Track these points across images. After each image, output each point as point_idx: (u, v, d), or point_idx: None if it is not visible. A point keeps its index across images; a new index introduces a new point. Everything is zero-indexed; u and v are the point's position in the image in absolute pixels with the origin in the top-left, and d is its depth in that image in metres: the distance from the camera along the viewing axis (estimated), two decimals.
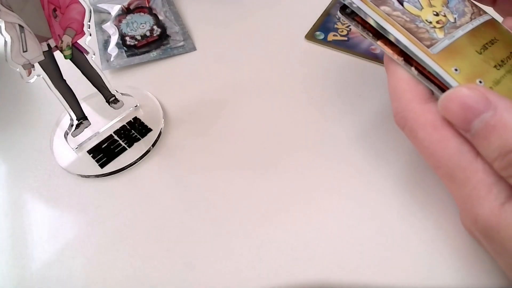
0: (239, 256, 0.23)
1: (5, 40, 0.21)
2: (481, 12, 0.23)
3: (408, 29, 0.21)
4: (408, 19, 0.21)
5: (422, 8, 0.22)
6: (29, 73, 0.23)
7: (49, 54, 0.24)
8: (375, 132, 0.27)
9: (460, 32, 0.21)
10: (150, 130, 0.29)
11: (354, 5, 0.21)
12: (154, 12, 0.37)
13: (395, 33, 0.21)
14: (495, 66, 0.20)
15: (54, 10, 0.23)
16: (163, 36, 0.35)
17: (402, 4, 0.21)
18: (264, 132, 0.28)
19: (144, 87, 0.32)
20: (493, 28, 0.22)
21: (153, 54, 0.34)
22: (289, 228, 0.24)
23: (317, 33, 0.35)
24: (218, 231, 0.24)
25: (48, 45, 0.24)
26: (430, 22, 0.21)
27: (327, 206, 0.24)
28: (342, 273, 0.22)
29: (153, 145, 0.28)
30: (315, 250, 0.23)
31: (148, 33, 0.35)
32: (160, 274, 0.23)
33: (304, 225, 0.24)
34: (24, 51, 0.22)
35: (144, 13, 0.37)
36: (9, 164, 0.29)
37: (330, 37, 0.34)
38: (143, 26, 0.36)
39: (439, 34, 0.21)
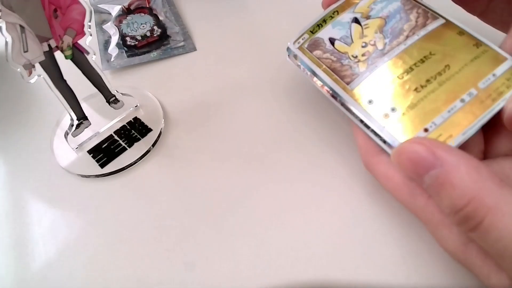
0: (239, 256, 0.23)
1: (6, 40, 0.21)
2: (429, 20, 0.23)
3: (333, 69, 0.23)
4: (335, 58, 0.23)
5: (352, 42, 0.23)
6: (30, 73, 0.23)
7: (49, 54, 0.24)
8: None
9: (385, 60, 0.22)
10: (150, 130, 0.29)
11: (293, 53, 0.25)
12: (154, 12, 0.37)
13: (321, 74, 0.23)
14: (415, 89, 0.21)
15: (55, 10, 0.23)
16: (164, 37, 0.35)
17: (333, 45, 0.24)
18: (264, 132, 0.28)
19: (144, 87, 0.32)
20: (436, 38, 0.22)
21: (154, 54, 0.34)
22: (289, 228, 0.24)
23: None
24: (218, 231, 0.24)
25: (49, 45, 0.24)
26: (356, 57, 0.23)
27: (327, 206, 0.25)
28: (342, 273, 0.22)
29: (153, 145, 0.28)
30: (315, 250, 0.23)
31: (148, 34, 0.35)
32: (160, 274, 0.23)
33: (304, 225, 0.24)
34: (24, 51, 0.23)
35: (145, 13, 0.37)
36: (9, 164, 0.29)
37: None
38: (143, 26, 0.36)
39: (361, 68, 0.22)
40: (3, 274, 0.23)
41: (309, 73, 0.24)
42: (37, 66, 0.24)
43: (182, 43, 0.35)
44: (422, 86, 0.21)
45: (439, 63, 0.21)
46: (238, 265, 0.23)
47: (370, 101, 0.21)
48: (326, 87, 0.23)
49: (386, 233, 0.23)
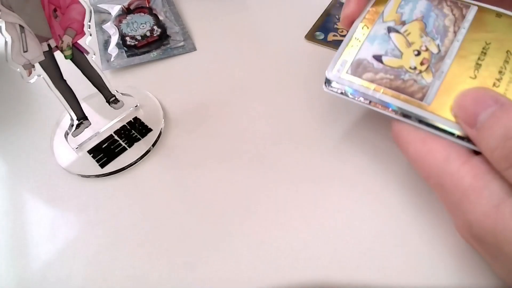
0: (239, 256, 0.23)
1: (5, 40, 0.21)
2: (464, 10, 0.22)
3: (395, 88, 0.20)
4: (392, 76, 0.21)
5: (402, 53, 0.21)
6: (30, 73, 0.23)
7: (49, 54, 0.24)
8: (375, 134, 0.27)
9: (447, 62, 0.20)
10: (150, 130, 0.29)
11: (335, 84, 0.21)
12: (154, 12, 0.37)
13: (384, 98, 0.20)
14: (494, 84, 0.19)
15: (55, 10, 0.23)
16: (163, 36, 0.35)
17: (381, 62, 0.21)
18: (264, 132, 0.28)
19: (144, 87, 0.32)
20: (482, 26, 0.21)
21: (153, 54, 0.34)
22: (289, 228, 0.24)
23: (317, 33, 0.35)
24: (218, 231, 0.24)
25: (49, 45, 0.24)
26: (415, 68, 0.21)
27: (327, 206, 0.24)
28: (342, 273, 0.22)
29: (153, 145, 0.28)
30: (315, 250, 0.23)
31: (148, 33, 0.35)
32: (160, 274, 0.23)
33: (304, 225, 0.24)
34: (24, 51, 0.22)
35: (144, 13, 0.37)
36: (9, 164, 0.29)
37: (330, 37, 0.34)
38: (143, 26, 0.36)
39: (427, 79, 0.20)
40: (2, 274, 0.23)
41: (365, 101, 0.21)
42: (37, 66, 0.24)
43: (182, 43, 0.35)
44: (498, 80, 0.19)
45: (500, 50, 0.20)
46: (238, 265, 0.23)
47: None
48: (394, 111, 0.20)
49: (386, 233, 0.23)
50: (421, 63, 0.21)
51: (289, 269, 0.22)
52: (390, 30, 0.22)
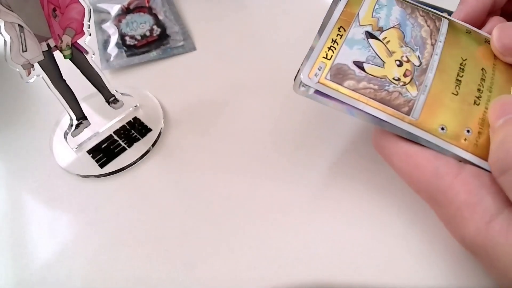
0: (239, 256, 0.23)
1: (4, 40, 0.21)
2: (437, 22, 0.22)
3: (380, 100, 0.19)
4: (376, 86, 0.19)
5: (384, 62, 0.20)
6: (29, 73, 0.23)
7: (48, 54, 0.24)
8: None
9: (430, 76, 0.20)
10: (150, 130, 0.29)
11: (312, 89, 0.19)
12: (154, 12, 0.37)
13: (369, 111, 0.19)
14: (474, 102, 0.19)
15: (54, 10, 0.23)
16: (163, 36, 0.35)
17: (363, 70, 0.20)
18: (264, 132, 0.28)
19: (144, 87, 0.32)
20: (456, 41, 0.21)
21: (153, 54, 0.34)
22: (289, 228, 0.24)
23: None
24: (218, 231, 0.24)
25: (48, 45, 0.24)
26: (399, 79, 0.19)
27: (327, 207, 0.24)
28: (342, 273, 0.22)
29: (153, 145, 0.28)
30: (315, 250, 0.23)
31: (148, 33, 0.35)
32: (160, 274, 0.23)
33: (304, 225, 0.24)
34: (23, 51, 0.22)
35: (144, 13, 0.37)
36: (9, 164, 0.29)
37: None
38: (143, 26, 0.36)
39: (412, 92, 0.19)
40: (2, 274, 0.23)
41: (346, 110, 0.19)
42: (36, 65, 0.24)
43: (181, 43, 0.35)
44: (478, 97, 0.19)
45: (475, 68, 0.20)
46: (238, 265, 0.23)
47: (443, 128, 0.18)
48: (378, 124, 0.19)
49: (386, 234, 0.23)
50: (404, 75, 0.20)
51: (289, 270, 0.22)
52: (368, 35, 0.21)
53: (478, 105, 0.19)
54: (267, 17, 0.37)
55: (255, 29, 0.36)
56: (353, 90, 0.19)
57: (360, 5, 0.22)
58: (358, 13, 0.21)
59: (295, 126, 0.29)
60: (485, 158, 0.18)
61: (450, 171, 0.18)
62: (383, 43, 0.20)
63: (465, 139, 0.18)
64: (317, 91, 0.19)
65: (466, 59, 0.20)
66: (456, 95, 0.19)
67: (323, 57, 0.20)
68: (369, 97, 0.19)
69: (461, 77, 0.20)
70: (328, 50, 0.20)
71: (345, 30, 0.21)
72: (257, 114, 0.30)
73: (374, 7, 0.22)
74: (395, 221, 0.23)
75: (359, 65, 0.20)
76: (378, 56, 0.20)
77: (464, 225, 0.17)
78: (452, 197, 0.18)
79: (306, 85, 0.20)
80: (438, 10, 0.23)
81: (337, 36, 0.20)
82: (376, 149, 0.21)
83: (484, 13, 0.23)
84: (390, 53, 0.20)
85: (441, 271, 0.22)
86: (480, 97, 0.19)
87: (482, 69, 0.20)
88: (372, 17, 0.21)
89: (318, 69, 0.20)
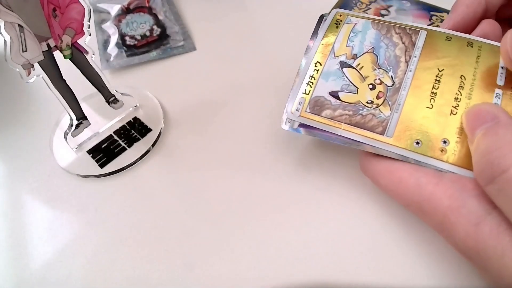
0: (239, 256, 0.23)
1: (4, 40, 0.21)
2: (413, 36, 0.22)
3: (355, 124, 0.20)
4: (351, 112, 0.21)
5: (358, 88, 0.21)
6: (29, 73, 0.23)
7: (48, 54, 0.24)
8: None
9: (403, 94, 0.20)
10: (150, 130, 0.29)
11: (295, 123, 0.21)
12: (154, 12, 0.37)
13: (345, 135, 0.20)
14: (451, 112, 0.20)
15: (54, 10, 0.23)
16: (163, 36, 0.35)
17: (339, 98, 0.21)
18: (264, 132, 0.28)
19: (144, 87, 0.32)
20: (432, 52, 0.21)
21: (153, 54, 0.34)
22: (289, 228, 0.24)
23: None
24: (218, 231, 0.24)
25: (48, 45, 0.24)
26: (372, 102, 0.21)
27: (327, 206, 0.24)
28: (342, 273, 0.22)
29: (153, 145, 0.28)
30: (315, 250, 0.23)
31: (148, 33, 0.35)
32: (160, 274, 0.23)
33: (304, 225, 0.24)
34: (23, 51, 0.22)
35: (144, 13, 0.37)
36: (9, 164, 0.29)
37: None
38: (143, 26, 0.36)
39: (385, 112, 0.20)
40: (2, 275, 0.23)
41: (324, 134, 0.21)
42: (36, 65, 0.24)
43: (181, 43, 0.35)
44: (455, 107, 0.20)
45: (453, 76, 0.20)
46: (238, 265, 0.23)
47: (417, 142, 0.19)
48: (358, 146, 0.20)
49: (386, 234, 0.23)
50: (377, 97, 0.21)
51: (289, 270, 0.22)
52: (342, 65, 0.22)
53: (455, 114, 0.20)
54: (267, 17, 0.37)
55: (255, 29, 0.36)
56: (330, 118, 0.21)
57: (336, 35, 0.23)
58: (334, 45, 0.23)
59: None
60: (465, 166, 0.19)
61: (430, 180, 0.18)
62: (356, 69, 0.22)
63: (441, 150, 0.19)
64: (301, 124, 0.21)
65: (443, 69, 0.21)
66: (431, 108, 0.20)
67: (303, 93, 0.22)
68: (345, 123, 0.20)
69: (437, 89, 0.20)
70: (307, 86, 0.22)
71: (321, 65, 0.22)
72: (257, 114, 0.30)
73: (349, 36, 0.23)
74: (395, 221, 0.23)
75: (334, 95, 0.21)
76: (352, 83, 0.21)
77: (453, 230, 0.18)
78: (437, 205, 0.18)
79: (290, 119, 0.22)
80: (438, 11, 0.23)
81: (314, 71, 0.22)
82: (363, 173, 0.22)
83: (475, 20, 0.23)
84: (363, 78, 0.21)
85: (441, 271, 0.22)
86: (458, 106, 0.20)
87: (461, 76, 0.20)
88: (346, 46, 0.23)
89: (299, 104, 0.22)
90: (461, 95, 0.20)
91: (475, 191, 0.18)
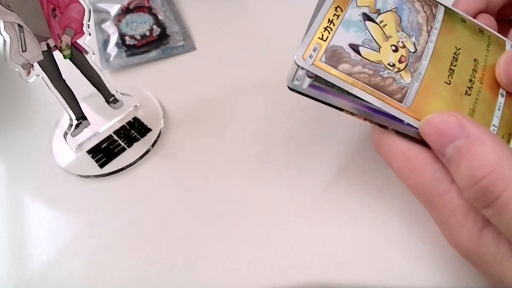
0: (239, 256, 0.23)
1: (4, 40, 0.21)
2: (433, 8, 0.21)
3: (374, 86, 0.18)
4: (371, 71, 0.19)
5: (380, 47, 0.19)
6: (28, 73, 0.23)
7: (48, 53, 0.24)
8: None
9: (424, 64, 0.19)
10: (149, 130, 0.29)
11: (304, 73, 0.18)
12: (153, 11, 0.37)
13: (363, 96, 0.18)
14: (466, 92, 0.19)
15: (54, 9, 0.23)
16: (163, 36, 0.35)
17: (359, 53, 0.19)
18: (264, 132, 0.28)
19: (144, 87, 0.32)
20: (451, 29, 0.21)
21: (153, 53, 0.34)
22: (289, 228, 0.24)
23: None
24: (217, 231, 0.24)
25: (48, 44, 0.24)
26: (394, 65, 0.19)
27: (327, 206, 0.24)
28: (342, 273, 0.22)
29: (153, 145, 0.28)
30: (315, 250, 0.23)
31: (147, 33, 0.35)
32: (159, 275, 0.23)
33: (304, 225, 0.24)
34: (23, 51, 0.22)
35: (144, 12, 0.37)
36: (8, 164, 0.29)
37: None
38: (142, 25, 0.36)
39: (406, 79, 0.19)
40: (2, 275, 0.23)
41: (336, 99, 0.19)
42: (36, 65, 0.24)
43: (181, 43, 0.35)
44: (469, 88, 0.19)
45: (468, 58, 0.20)
46: (238, 266, 0.23)
47: None
48: (366, 112, 0.19)
49: (386, 234, 0.23)
50: (400, 61, 0.19)
51: (289, 270, 0.22)
52: (365, 17, 0.20)
53: (469, 95, 0.19)
54: (267, 17, 0.37)
55: (255, 29, 0.36)
56: (347, 74, 0.18)
57: None
58: None
59: (295, 126, 0.28)
60: None
61: (449, 176, 0.18)
62: (380, 26, 0.20)
63: None
64: (312, 85, 0.19)
65: (459, 48, 0.20)
66: (449, 84, 0.19)
67: (319, 38, 0.19)
68: (364, 82, 0.18)
69: (454, 66, 0.19)
70: (324, 31, 0.19)
71: (342, 10, 0.20)
72: (257, 114, 0.30)
73: None
74: (395, 221, 0.23)
75: (355, 48, 0.19)
76: (374, 39, 0.19)
77: (458, 230, 0.17)
78: (448, 201, 0.18)
79: (299, 68, 0.19)
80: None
81: (333, 16, 0.20)
82: (375, 148, 0.20)
83: (474, 16, 0.23)
84: (387, 37, 0.20)
85: (441, 271, 0.22)
86: (472, 87, 0.19)
87: (475, 59, 0.20)
88: None
89: (313, 50, 0.19)
90: (474, 77, 0.19)
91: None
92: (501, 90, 0.19)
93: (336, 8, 0.20)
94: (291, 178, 0.26)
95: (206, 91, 0.31)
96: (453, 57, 0.20)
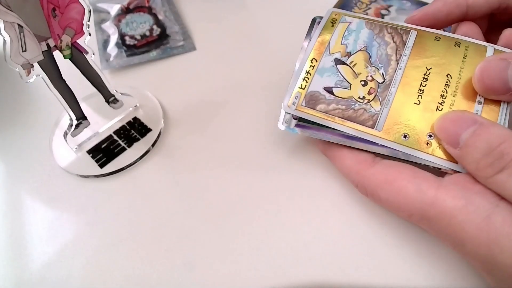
0: (239, 256, 0.23)
1: (4, 40, 0.21)
2: (404, 36, 0.23)
3: (348, 118, 0.21)
4: (343, 107, 0.22)
5: (350, 84, 0.22)
6: (28, 73, 0.23)
7: (48, 53, 0.24)
8: None
9: (393, 91, 0.22)
10: (149, 130, 0.29)
11: (290, 117, 0.23)
12: (153, 11, 0.37)
13: (338, 127, 0.21)
14: (437, 108, 0.21)
15: (54, 9, 0.23)
16: (163, 36, 0.35)
17: (333, 93, 0.22)
18: (264, 132, 0.28)
19: (144, 87, 0.32)
20: (422, 51, 0.23)
21: (153, 53, 0.34)
22: (289, 228, 0.24)
23: None
24: (217, 231, 0.24)
25: (48, 44, 0.24)
26: (363, 97, 0.22)
27: (327, 206, 0.24)
28: (342, 273, 0.22)
29: (153, 145, 0.28)
30: (315, 250, 0.23)
31: (147, 33, 0.35)
32: (159, 274, 0.23)
33: (304, 225, 0.24)
34: (23, 51, 0.22)
35: (144, 12, 0.37)
36: (9, 164, 0.29)
37: None
38: (142, 25, 0.36)
39: (375, 107, 0.21)
40: (2, 274, 0.23)
41: (319, 133, 0.22)
42: (36, 65, 0.24)
43: (181, 43, 0.35)
44: (440, 104, 0.21)
45: (440, 75, 0.21)
46: (238, 265, 0.23)
47: (405, 136, 0.20)
48: (346, 140, 0.22)
49: (386, 234, 0.23)
50: (369, 93, 0.22)
51: (289, 270, 0.22)
52: (337, 62, 0.23)
53: (440, 110, 0.21)
54: (267, 17, 0.37)
55: (255, 29, 0.36)
56: (324, 112, 0.22)
57: (331, 33, 0.24)
58: (329, 42, 0.24)
59: None
60: (449, 159, 0.20)
61: (431, 185, 0.19)
62: (350, 67, 0.23)
63: (427, 143, 0.20)
64: (297, 124, 0.23)
65: (431, 68, 0.22)
66: (418, 104, 0.21)
67: (299, 88, 0.23)
68: (338, 117, 0.22)
69: (424, 86, 0.21)
70: (303, 81, 0.23)
71: (317, 61, 0.23)
72: (256, 114, 0.30)
73: (344, 34, 0.24)
74: (395, 221, 0.23)
75: (329, 90, 0.22)
76: (345, 79, 0.23)
77: (462, 230, 0.17)
78: (442, 208, 0.18)
79: (287, 114, 0.23)
80: None
81: (310, 67, 0.23)
82: (361, 192, 0.22)
83: (448, 20, 0.24)
84: (356, 75, 0.23)
85: (440, 271, 0.22)
86: (443, 102, 0.21)
87: (447, 75, 0.22)
88: (341, 44, 0.24)
89: (295, 98, 0.23)
90: (446, 92, 0.21)
91: (476, 188, 0.18)
92: (478, 98, 0.20)
93: (312, 60, 0.24)
94: (291, 178, 0.26)
95: (206, 91, 0.31)
96: (423, 77, 0.22)
